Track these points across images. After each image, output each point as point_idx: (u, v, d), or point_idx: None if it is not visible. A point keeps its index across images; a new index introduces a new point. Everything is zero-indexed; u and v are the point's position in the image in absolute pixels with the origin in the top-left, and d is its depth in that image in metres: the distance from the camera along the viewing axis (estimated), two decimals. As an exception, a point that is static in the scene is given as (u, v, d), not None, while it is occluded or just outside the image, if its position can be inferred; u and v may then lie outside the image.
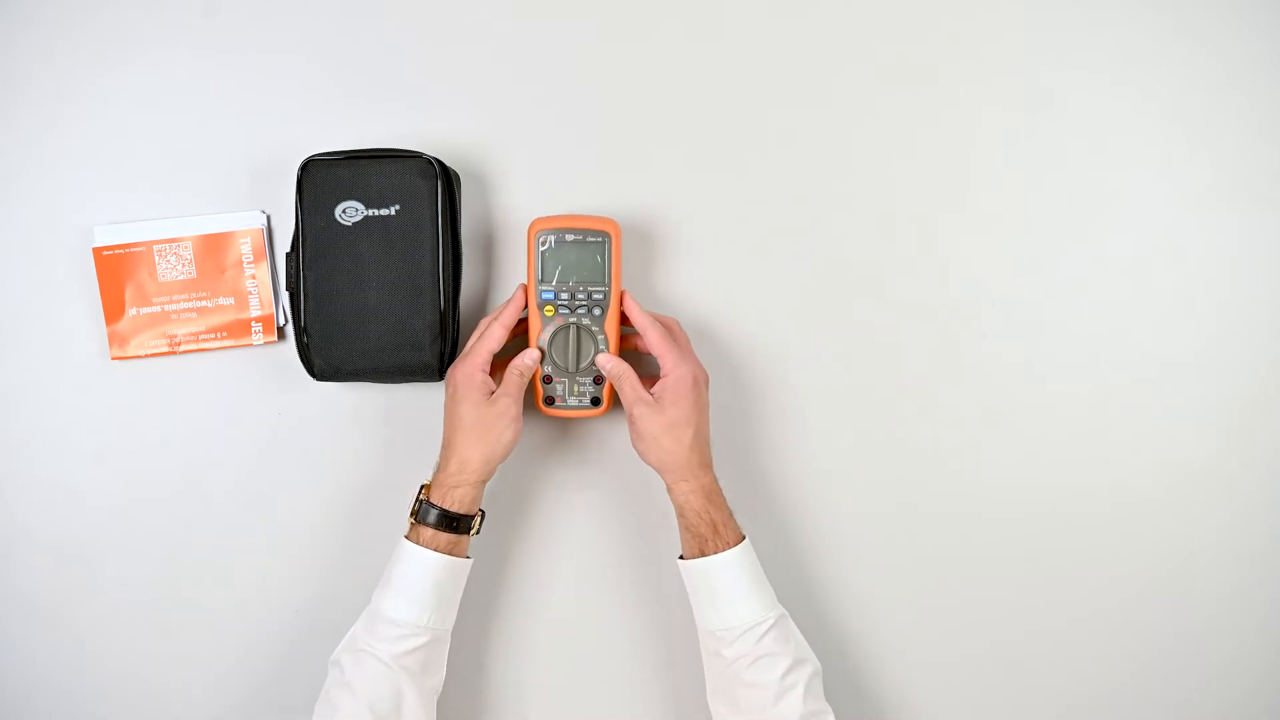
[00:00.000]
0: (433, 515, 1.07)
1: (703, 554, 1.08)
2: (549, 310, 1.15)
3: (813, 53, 1.21)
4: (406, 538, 1.08)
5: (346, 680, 1.05)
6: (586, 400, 1.16)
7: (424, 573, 1.06)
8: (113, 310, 1.20)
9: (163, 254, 1.20)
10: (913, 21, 1.21)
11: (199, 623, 1.21)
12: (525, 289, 1.14)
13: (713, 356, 1.21)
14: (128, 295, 1.20)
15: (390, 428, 1.21)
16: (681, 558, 1.11)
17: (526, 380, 1.12)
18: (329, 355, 1.15)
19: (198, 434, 1.21)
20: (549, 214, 1.16)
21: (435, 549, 1.06)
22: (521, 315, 1.14)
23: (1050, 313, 1.22)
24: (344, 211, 1.14)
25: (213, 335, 1.20)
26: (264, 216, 1.20)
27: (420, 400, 1.20)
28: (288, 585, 1.21)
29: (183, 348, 1.20)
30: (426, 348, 1.15)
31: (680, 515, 1.10)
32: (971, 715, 1.22)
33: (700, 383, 1.11)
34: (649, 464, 1.10)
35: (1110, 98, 1.22)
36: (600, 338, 1.15)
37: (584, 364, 1.15)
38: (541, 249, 1.15)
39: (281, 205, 1.20)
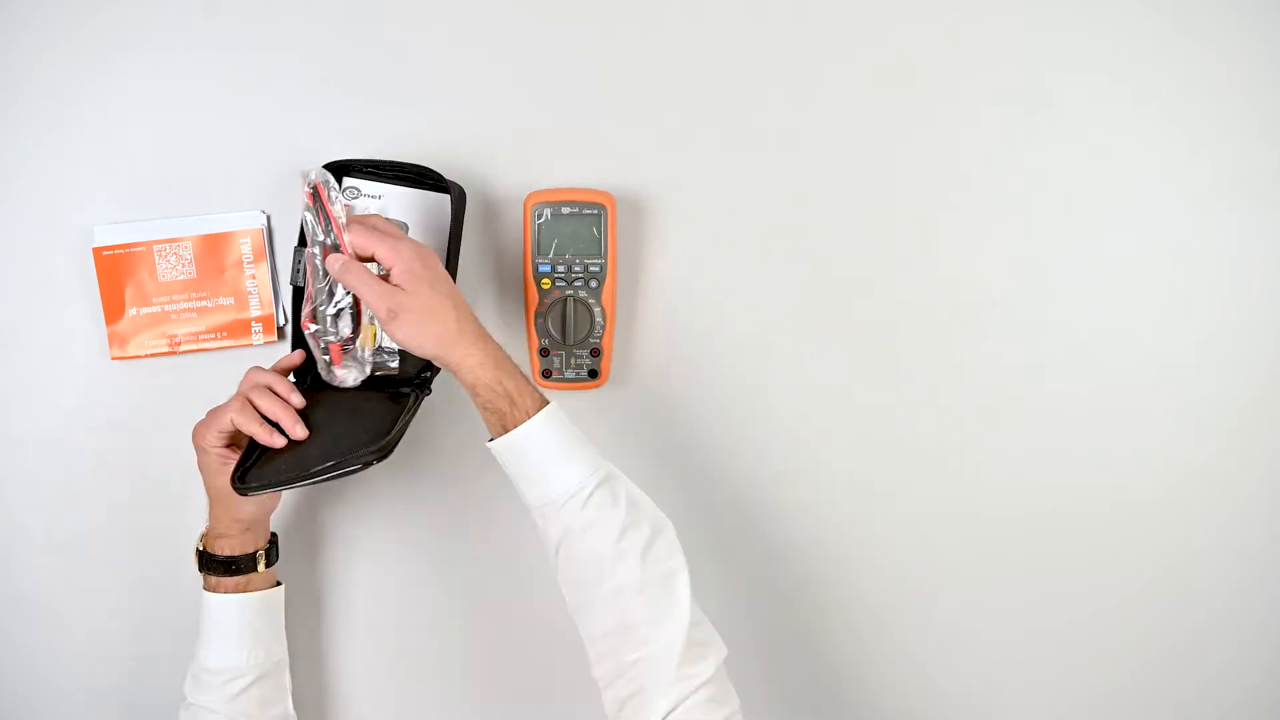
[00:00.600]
0: (207, 562, 1.08)
1: (505, 430, 1.00)
2: (545, 283, 1.16)
3: (812, 53, 1.21)
4: (204, 587, 1.08)
5: None
6: (584, 373, 1.17)
7: (226, 616, 1.07)
8: (113, 310, 1.20)
9: (163, 254, 1.20)
10: (912, 21, 1.21)
11: (198, 623, 1.21)
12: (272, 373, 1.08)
13: (709, 352, 1.21)
14: (128, 295, 1.20)
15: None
16: (490, 440, 1.03)
17: (234, 420, 1.05)
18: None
19: (198, 434, 1.21)
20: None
21: (228, 591, 1.07)
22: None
23: (1050, 313, 1.22)
24: None
25: (213, 335, 1.20)
26: (264, 216, 1.20)
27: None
28: (287, 585, 1.21)
29: (183, 348, 1.20)
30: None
31: (474, 394, 1.01)
32: (971, 715, 1.22)
33: (426, 258, 1.02)
34: (428, 355, 1.01)
35: (1110, 98, 1.21)
36: (597, 310, 1.16)
37: (581, 336, 1.16)
38: (538, 222, 1.16)
39: (281, 205, 1.20)
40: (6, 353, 1.21)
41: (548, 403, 1.02)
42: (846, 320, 1.22)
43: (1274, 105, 1.21)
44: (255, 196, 1.20)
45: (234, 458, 1.06)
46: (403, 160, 1.16)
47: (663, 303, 1.22)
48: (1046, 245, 1.22)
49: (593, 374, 1.18)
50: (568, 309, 1.16)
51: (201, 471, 1.08)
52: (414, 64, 1.21)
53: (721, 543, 1.21)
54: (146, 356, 1.20)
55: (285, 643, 1.11)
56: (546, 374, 1.18)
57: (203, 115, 1.20)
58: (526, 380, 1.02)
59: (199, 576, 1.10)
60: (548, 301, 1.17)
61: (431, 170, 1.15)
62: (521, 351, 1.20)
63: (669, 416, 1.21)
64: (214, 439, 1.05)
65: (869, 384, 1.22)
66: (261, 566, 1.09)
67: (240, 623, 1.07)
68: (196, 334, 1.20)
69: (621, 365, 1.21)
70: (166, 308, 1.20)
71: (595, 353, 1.17)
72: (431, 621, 1.22)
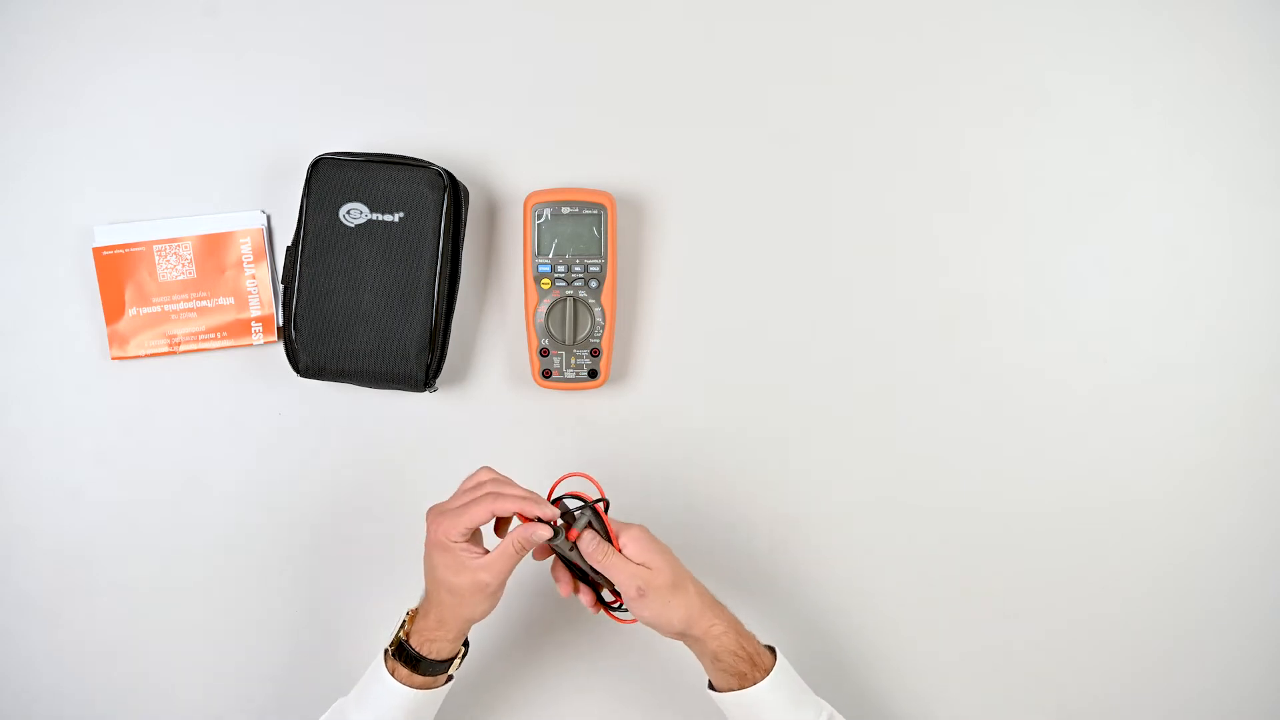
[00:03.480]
0: (408, 658, 1.03)
1: (741, 687, 1.04)
2: (545, 283, 1.16)
3: (813, 53, 1.22)
4: (385, 659, 1.04)
5: None
6: (584, 373, 1.17)
7: (396, 703, 1.03)
8: (113, 310, 1.20)
9: (163, 254, 1.20)
10: (913, 22, 1.21)
11: (199, 623, 1.21)
12: (544, 521, 1.02)
13: (709, 352, 1.22)
14: (128, 295, 1.20)
15: (388, 431, 1.21)
16: (712, 688, 1.06)
17: (523, 556, 1.02)
18: (315, 352, 1.15)
19: (198, 434, 1.21)
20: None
21: (408, 685, 1.03)
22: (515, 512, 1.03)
23: (1050, 313, 1.22)
24: (348, 213, 1.15)
25: (213, 335, 1.20)
26: (264, 216, 1.20)
27: (415, 408, 1.20)
28: (287, 585, 1.21)
29: (183, 348, 1.20)
30: (413, 359, 1.15)
31: (715, 660, 1.04)
32: (970, 714, 1.22)
33: (652, 535, 1.05)
34: (675, 632, 1.04)
35: (1110, 98, 1.22)
36: (597, 310, 1.16)
37: (581, 336, 1.16)
38: (538, 222, 1.16)
39: (282, 205, 1.20)
40: (6, 353, 1.21)
41: (775, 653, 1.06)
42: (846, 319, 1.22)
43: (1274, 105, 1.21)
44: (255, 196, 1.21)
45: (478, 551, 1.01)
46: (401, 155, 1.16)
47: (663, 303, 1.22)
48: (1046, 245, 1.22)
49: (593, 374, 1.18)
50: (568, 309, 1.17)
51: (437, 569, 1.01)
52: (414, 64, 1.21)
53: (721, 541, 1.21)
54: (146, 356, 1.20)
55: None
56: (546, 374, 1.18)
57: (203, 115, 1.20)
58: (753, 635, 1.06)
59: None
60: (548, 301, 1.17)
61: (431, 163, 1.15)
62: (521, 352, 1.20)
63: (669, 416, 1.21)
64: (460, 534, 1.01)
65: (868, 383, 1.22)
66: (455, 667, 1.05)
67: (406, 712, 1.02)
68: (196, 334, 1.20)
69: (621, 365, 1.22)
70: (166, 308, 1.20)
71: (595, 353, 1.17)
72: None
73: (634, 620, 1.04)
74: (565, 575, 1.07)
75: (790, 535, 1.21)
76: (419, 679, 1.03)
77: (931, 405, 1.22)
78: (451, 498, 1.04)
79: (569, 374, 1.18)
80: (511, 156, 1.21)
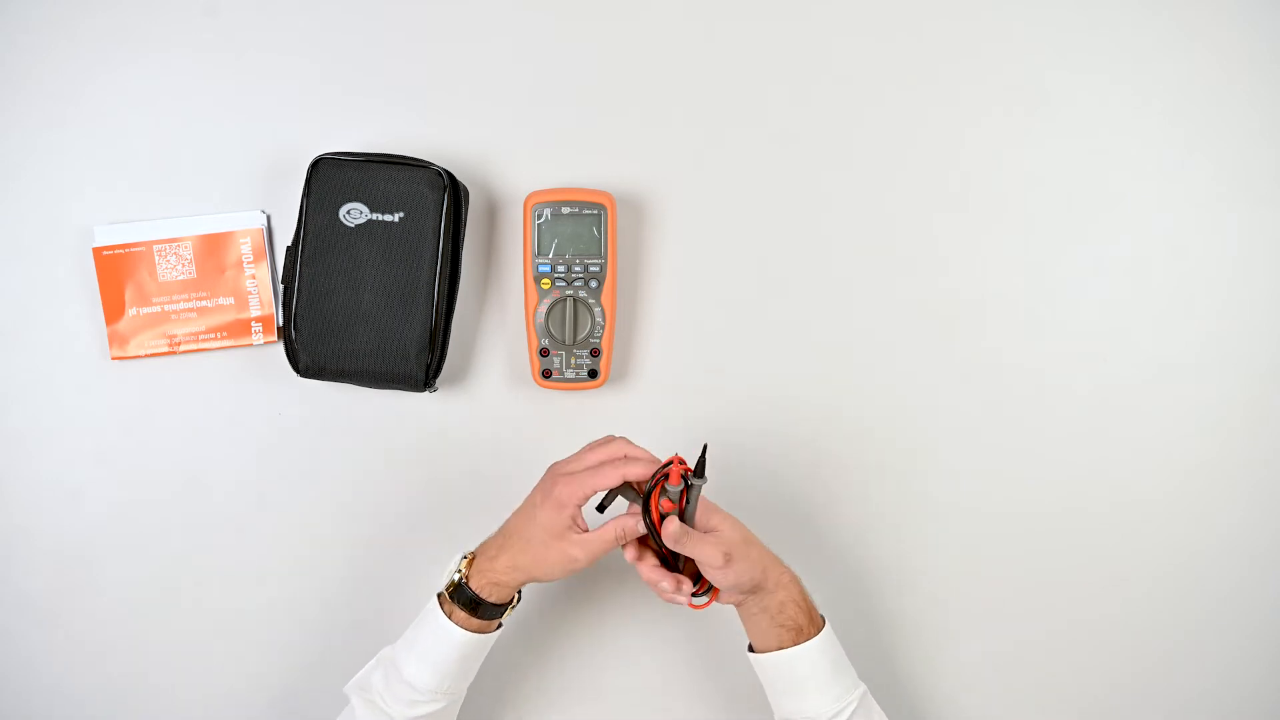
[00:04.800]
0: (466, 600, 1.03)
1: (795, 644, 1.04)
2: (545, 283, 1.16)
3: (813, 53, 1.22)
4: (440, 604, 1.04)
5: None
6: (584, 373, 1.17)
7: (450, 646, 1.03)
8: (113, 310, 1.20)
9: (163, 254, 1.20)
10: (913, 22, 1.22)
11: (198, 623, 1.21)
12: (675, 462, 1.01)
13: (709, 352, 1.22)
14: (128, 295, 1.20)
15: (388, 431, 1.21)
16: (752, 650, 1.07)
17: (619, 545, 1.03)
18: (315, 352, 1.15)
19: (198, 434, 1.21)
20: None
21: (464, 627, 1.03)
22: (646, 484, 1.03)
23: (1050, 313, 1.22)
24: (348, 213, 1.15)
25: (213, 335, 1.21)
26: (264, 216, 1.20)
27: (415, 408, 1.20)
28: (287, 585, 1.21)
29: (183, 348, 1.20)
30: (413, 359, 1.15)
31: (779, 611, 1.03)
32: (969, 713, 1.22)
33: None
34: (751, 583, 1.03)
35: (1110, 98, 1.22)
36: (597, 310, 1.16)
37: (581, 336, 1.16)
38: (538, 222, 1.16)
39: (282, 205, 1.20)
40: (6, 353, 1.21)
41: (824, 618, 1.06)
42: (846, 319, 1.22)
43: (1274, 105, 1.21)
44: (255, 196, 1.21)
45: (581, 528, 1.02)
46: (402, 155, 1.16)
47: (663, 303, 1.22)
48: (1046, 245, 1.22)
49: (593, 374, 1.18)
50: (568, 309, 1.17)
51: (538, 523, 1.02)
52: (414, 64, 1.21)
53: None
54: (146, 356, 1.20)
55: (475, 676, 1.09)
56: (546, 374, 1.18)
57: (203, 115, 1.20)
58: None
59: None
60: (548, 301, 1.17)
61: (431, 163, 1.15)
62: (521, 352, 1.20)
63: (669, 417, 1.21)
64: (584, 497, 1.01)
65: (869, 384, 1.22)
66: (508, 612, 1.06)
67: (459, 655, 1.03)
68: (196, 334, 1.20)
69: (621, 365, 1.22)
70: (166, 308, 1.20)
71: (595, 353, 1.17)
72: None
73: (706, 605, 1.04)
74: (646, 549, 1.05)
75: (787, 534, 1.21)
76: (475, 621, 1.04)
77: (931, 405, 1.22)
78: (576, 457, 1.04)
79: (569, 374, 1.18)
80: (511, 156, 1.21)
